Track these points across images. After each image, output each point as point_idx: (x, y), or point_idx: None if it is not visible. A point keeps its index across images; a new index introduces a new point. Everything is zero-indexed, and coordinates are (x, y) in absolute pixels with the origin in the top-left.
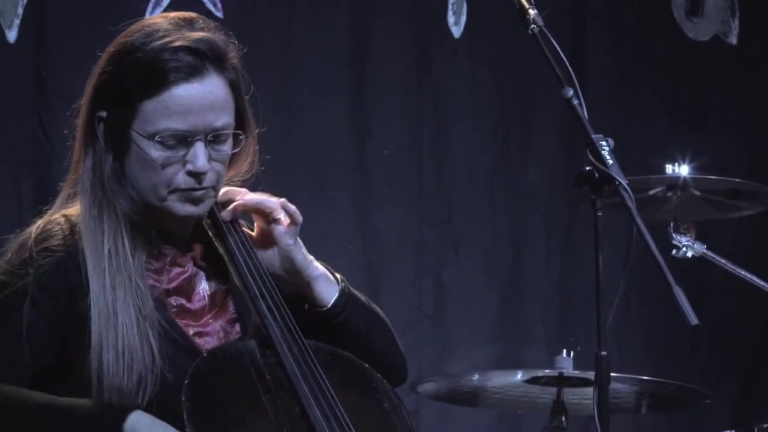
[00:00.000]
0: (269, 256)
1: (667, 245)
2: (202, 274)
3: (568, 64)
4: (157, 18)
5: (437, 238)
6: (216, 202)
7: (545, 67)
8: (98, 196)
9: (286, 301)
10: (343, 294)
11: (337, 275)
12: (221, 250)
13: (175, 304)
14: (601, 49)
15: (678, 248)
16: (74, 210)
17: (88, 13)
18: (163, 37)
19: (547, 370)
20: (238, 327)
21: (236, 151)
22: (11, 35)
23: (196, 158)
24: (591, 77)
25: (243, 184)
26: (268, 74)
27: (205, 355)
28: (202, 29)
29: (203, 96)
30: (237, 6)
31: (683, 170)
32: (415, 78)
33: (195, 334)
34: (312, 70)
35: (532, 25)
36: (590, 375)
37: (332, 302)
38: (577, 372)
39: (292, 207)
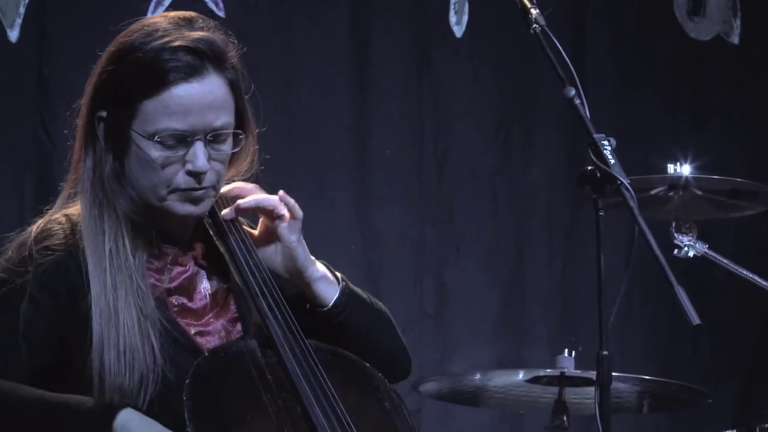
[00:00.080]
0: (271, 255)
1: (668, 245)
2: (203, 273)
3: (570, 63)
4: (157, 17)
5: (439, 237)
6: (217, 201)
7: (547, 66)
8: (98, 196)
9: (288, 300)
10: (344, 294)
11: (338, 274)
12: (222, 249)
13: (176, 303)
14: (601, 49)
15: (680, 248)
16: (75, 209)
17: (89, 13)
18: (163, 36)
19: (548, 370)
20: (239, 326)
21: (236, 150)
22: (13, 34)
23: (195, 158)
24: (592, 77)
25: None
26: (269, 74)
27: (206, 354)
28: (201, 29)
29: (203, 96)
30: (239, 5)
31: (685, 170)
32: (415, 78)
33: (196, 333)
34: (313, 70)
35: (534, 25)
36: (592, 375)
37: (332, 302)
38: (579, 372)
39: (291, 201)
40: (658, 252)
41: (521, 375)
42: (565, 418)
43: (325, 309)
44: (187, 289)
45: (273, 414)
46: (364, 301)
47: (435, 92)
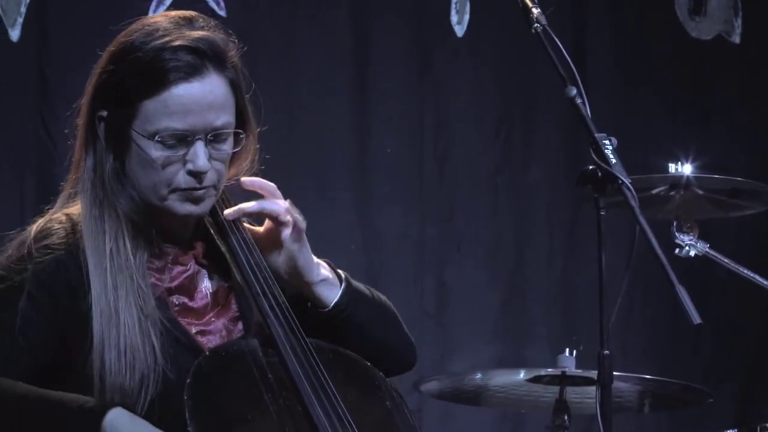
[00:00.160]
0: (273, 255)
1: (669, 244)
2: (204, 272)
3: (571, 62)
4: (158, 17)
5: (439, 237)
6: (218, 200)
7: (547, 66)
8: (99, 196)
9: (289, 299)
10: (345, 294)
11: (339, 271)
12: (223, 249)
13: (177, 302)
14: (602, 49)
15: (681, 247)
16: (76, 209)
17: (90, 13)
18: (163, 36)
19: (549, 369)
20: (240, 325)
21: (237, 150)
22: (14, 34)
23: (196, 158)
24: (592, 77)
25: None
26: (269, 73)
27: (207, 353)
28: (202, 28)
29: (203, 95)
30: (239, 5)
31: (686, 169)
32: (415, 77)
33: (197, 332)
34: (313, 70)
35: (536, 24)
36: (593, 374)
37: (333, 303)
38: (580, 371)
39: (297, 215)
40: (659, 251)
41: (522, 374)
42: (566, 417)
43: (326, 310)
44: (188, 288)
45: (274, 413)
46: (366, 298)
47: (435, 92)
